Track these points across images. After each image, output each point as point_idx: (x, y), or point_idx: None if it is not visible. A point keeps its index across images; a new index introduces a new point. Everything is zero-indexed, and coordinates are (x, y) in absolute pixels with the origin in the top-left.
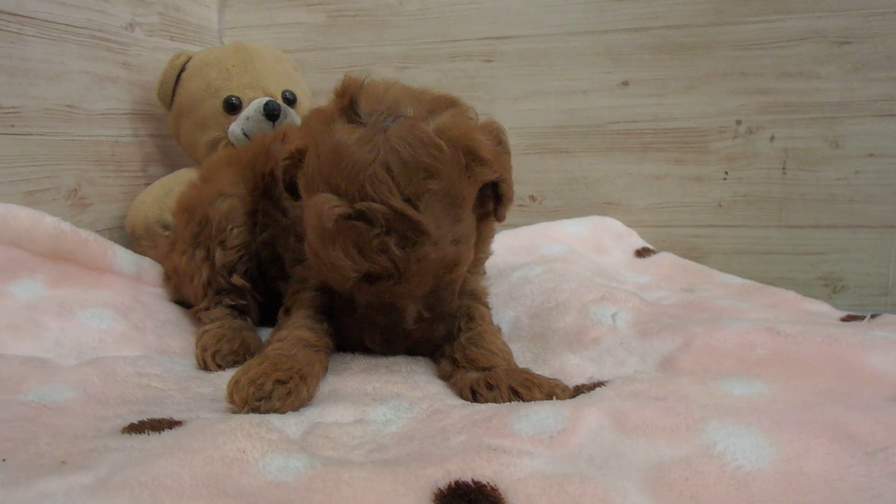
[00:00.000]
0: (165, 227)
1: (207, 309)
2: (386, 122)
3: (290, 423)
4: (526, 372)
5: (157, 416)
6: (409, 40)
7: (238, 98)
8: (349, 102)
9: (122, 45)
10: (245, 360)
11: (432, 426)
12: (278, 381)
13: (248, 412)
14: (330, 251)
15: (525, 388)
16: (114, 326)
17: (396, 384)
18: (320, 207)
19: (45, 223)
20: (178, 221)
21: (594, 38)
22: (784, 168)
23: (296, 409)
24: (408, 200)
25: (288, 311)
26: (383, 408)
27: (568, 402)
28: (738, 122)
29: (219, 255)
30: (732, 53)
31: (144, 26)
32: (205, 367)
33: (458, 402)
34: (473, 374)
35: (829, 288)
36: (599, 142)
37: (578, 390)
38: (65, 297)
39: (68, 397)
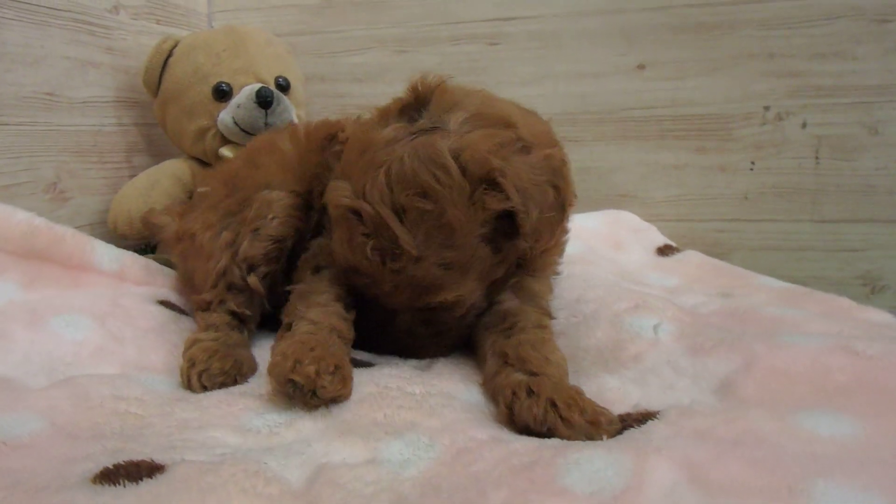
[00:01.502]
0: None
1: (209, 306)
2: (421, 131)
3: (290, 467)
4: (575, 390)
5: (135, 456)
6: (408, 22)
7: (228, 84)
8: (415, 100)
9: (106, 29)
10: (236, 382)
11: (461, 472)
12: (336, 367)
13: (309, 391)
14: (333, 234)
15: (566, 405)
16: (89, 337)
17: (410, 410)
18: (332, 192)
19: (17, 219)
20: (214, 189)
21: (608, 17)
22: (817, 157)
23: (345, 398)
24: (396, 211)
25: (318, 271)
26: (398, 443)
27: (626, 447)
28: (767, 108)
29: (245, 246)
30: (759, 33)
31: (129, 9)
32: (188, 385)
33: (485, 435)
34: (519, 377)
35: (868, 288)
36: (613, 129)
37: (624, 421)
38: (38, 301)
39: (33, 430)
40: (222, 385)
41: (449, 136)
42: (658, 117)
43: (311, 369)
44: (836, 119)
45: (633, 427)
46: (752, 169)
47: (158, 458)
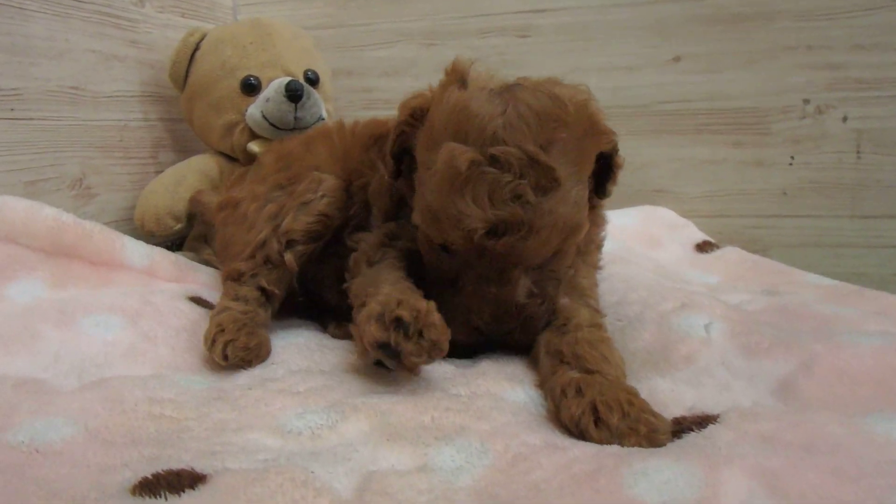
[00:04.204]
0: (177, 219)
1: (241, 276)
2: (505, 87)
3: (338, 475)
4: (627, 391)
5: (175, 465)
6: (435, 14)
7: (257, 78)
8: (460, 78)
9: (131, 22)
10: (252, 364)
11: (519, 481)
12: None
13: (416, 330)
14: (458, 201)
15: (607, 407)
16: (121, 337)
17: (458, 413)
18: (450, 154)
19: (44, 215)
20: (269, 161)
21: (641, 9)
22: (858, 151)
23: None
24: (541, 147)
25: (372, 265)
26: (449, 449)
27: (693, 455)
28: (806, 101)
29: (289, 219)
30: (797, 24)
31: (154, 2)
32: (210, 348)
33: (539, 440)
34: (574, 374)
35: None
36: (647, 123)
37: (679, 425)
38: (67, 300)
39: (66, 436)
40: (242, 361)
41: (540, 86)
42: (693, 111)
43: (422, 304)
44: (877, 112)
45: (692, 431)
46: (790, 164)
47: (199, 466)
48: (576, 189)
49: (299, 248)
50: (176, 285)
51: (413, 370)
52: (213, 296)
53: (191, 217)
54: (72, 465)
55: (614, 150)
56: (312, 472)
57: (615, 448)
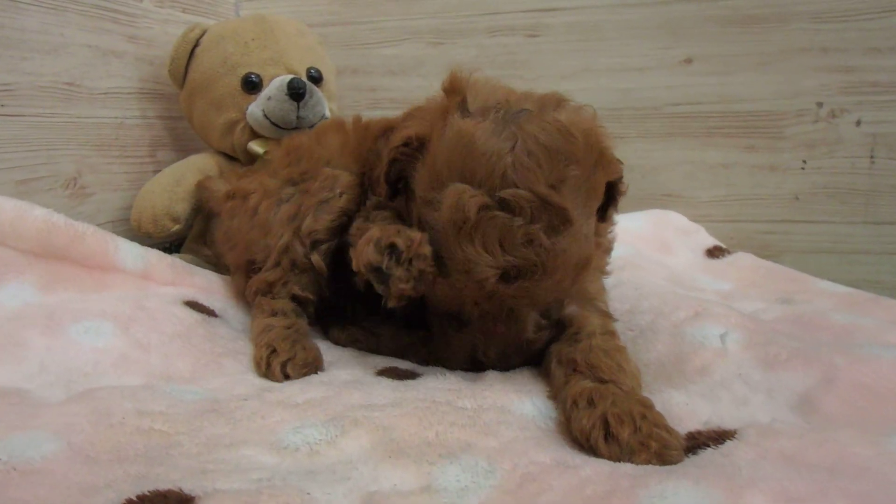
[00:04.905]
0: (175, 220)
1: (271, 288)
2: (510, 115)
3: (336, 496)
4: (642, 403)
5: (162, 485)
6: (443, 12)
7: (258, 75)
8: (459, 94)
9: (130, 17)
10: (315, 373)
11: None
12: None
13: (408, 258)
14: (466, 248)
15: (618, 420)
16: (112, 344)
17: (464, 428)
18: (458, 198)
19: (34, 216)
20: (279, 155)
21: (653, 9)
22: (872, 156)
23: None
24: (552, 187)
25: (367, 220)
26: (454, 468)
27: (712, 476)
28: (819, 105)
29: (309, 220)
30: (811, 26)
31: None
32: (267, 372)
33: (548, 458)
34: (587, 384)
35: None
36: (658, 126)
37: (695, 440)
38: (56, 305)
39: (47, 452)
40: (305, 376)
41: (548, 113)
42: (705, 114)
43: (416, 235)
44: (891, 117)
45: (709, 447)
46: (803, 168)
47: (188, 486)
48: (587, 224)
49: (323, 246)
50: (171, 289)
51: (398, 298)
52: (209, 300)
53: (195, 213)
54: (51, 485)
55: (619, 178)
56: (308, 494)
57: (629, 467)
